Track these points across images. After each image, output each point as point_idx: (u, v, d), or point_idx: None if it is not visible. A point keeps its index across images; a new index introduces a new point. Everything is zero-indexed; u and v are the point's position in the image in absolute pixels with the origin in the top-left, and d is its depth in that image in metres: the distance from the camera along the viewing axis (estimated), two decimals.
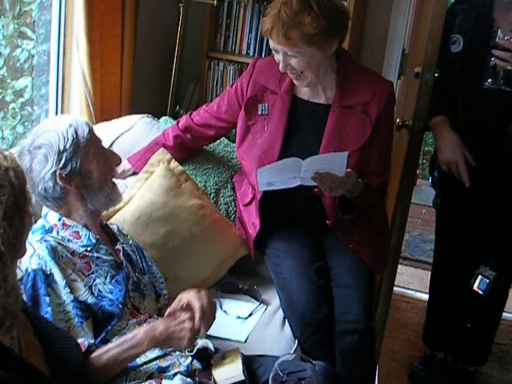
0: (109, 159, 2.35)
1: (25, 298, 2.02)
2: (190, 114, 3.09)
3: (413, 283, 4.74)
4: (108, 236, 2.43)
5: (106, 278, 2.23)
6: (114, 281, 2.25)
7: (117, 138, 3.16)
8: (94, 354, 2.05)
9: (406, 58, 3.71)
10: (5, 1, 3.07)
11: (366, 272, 2.86)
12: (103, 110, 3.28)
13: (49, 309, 2.05)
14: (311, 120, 2.82)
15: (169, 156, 3.04)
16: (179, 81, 3.97)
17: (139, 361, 2.15)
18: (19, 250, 1.64)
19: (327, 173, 2.54)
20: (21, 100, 3.36)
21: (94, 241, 2.28)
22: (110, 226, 2.51)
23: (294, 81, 2.75)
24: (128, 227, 2.71)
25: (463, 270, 3.36)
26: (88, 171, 2.24)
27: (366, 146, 2.77)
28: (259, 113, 2.85)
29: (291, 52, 2.61)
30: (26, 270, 2.10)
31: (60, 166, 2.19)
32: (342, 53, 2.81)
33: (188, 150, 3.13)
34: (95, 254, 2.26)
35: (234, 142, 3.12)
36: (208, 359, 2.29)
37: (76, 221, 2.28)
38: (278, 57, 2.67)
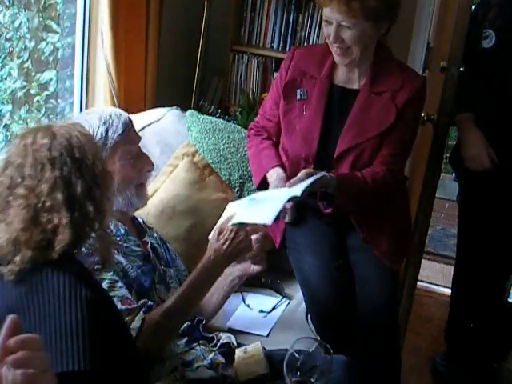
0: (138, 164, 2.34)
1: None
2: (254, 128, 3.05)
3: (436, 278, 4.72)
4: (136, 228, 2.45)
5: (132, 267, 2.25)
6: (140, 271, 2.26)
7: (146, 126, 3.17)
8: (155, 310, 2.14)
9: (431, 52, 3.68)
10: None
11: (389, 268, 2.85)
12: (127, 103, 3.29)
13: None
14: (342, 106, 2.81)
15: (194, 149, 3.04)
16: (203, 74, 3.98)
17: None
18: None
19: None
20: (45, 93, 3.38)
21: (122, 231, 2.30)
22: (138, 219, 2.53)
23: (338, 57, 2.71)
24: (152, 220, 2.72)
25: (486, 264, 3.34)
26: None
27: (386, 133, 2.75)
28: (298, 97, 2.82)
29: (347, 23, 2.58)
30: None
31: None
32: (381, 43, 2.80)
33: None
34: (124, 244, 2.28)
35: None
36: (231, 354, 2.30)
37: None
38: (329, 29, 2.63)
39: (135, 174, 2.33)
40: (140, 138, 2.42)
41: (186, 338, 2.32)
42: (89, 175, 1.69)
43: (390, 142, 2.75)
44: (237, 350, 2.32)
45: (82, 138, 1.73)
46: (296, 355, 1.82)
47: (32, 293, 1.52)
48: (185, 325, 2.32)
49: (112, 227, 2.26)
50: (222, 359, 2.27)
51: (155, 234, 2.57)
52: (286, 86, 2.83)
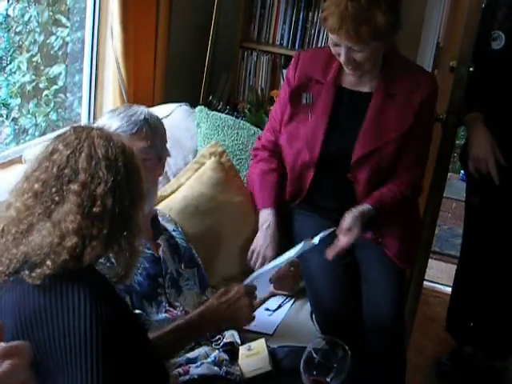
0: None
1: None
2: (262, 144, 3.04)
3: (442, 278, 4.71)
4: (153, 229, 2.41)
5: (138, 269, 2.23)
6: (145, 273, 2.26)
7: None
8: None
9: (441, 52, 3.67)
10: None
11: (396, 268, 2.84)
12: (136, 98, 3.28)
13: None
14: (353, 108, 2.80)
15: (221, 149, 3.04)
16: (212, 70, 3.98)
17: None
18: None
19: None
20: (54, 87, 3.38)
21: None
22: (159, 217, 2.49)
23: (349, 71, 2.70)
24: (174, 215, 2.72)
25: (491, 265, 3.34)
26: None
27: (405, 135, 2.75)
28: (303, 102, 2.82)
29: (357, 47, 2.56)
30: None
31: None
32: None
33: None
34: None
35: None
36: (235, 351, 2.30)
37: None
38: (339, 50, 2.62)
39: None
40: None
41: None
42: (136, 189, 1.64)
43: (410, 147, 2.77)
44: (240, 347, 2.31)
45: (133, 151, 1.69)
46: (314, 354, 1.82)
47: (51, 306, 1.46)
48: None
49: None
50: (225, 356, 2.26)
51: (180, 229, 2.57)
52: (293, 92, 2.84)
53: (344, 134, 2.77)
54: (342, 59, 2.63)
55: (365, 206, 2.69)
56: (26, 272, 1.50)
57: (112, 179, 1.56)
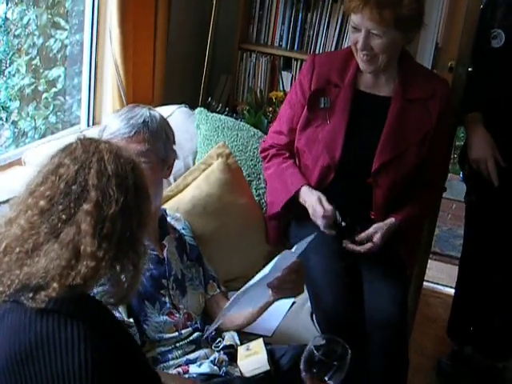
0: None
1: None
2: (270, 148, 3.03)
3: (442, 278, 4.71)
4: (160, 229, 2.40)
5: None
6: (148, 274, 2.24)
7: None
8: None
9: (440, 52, 3.67)
10: None
11: (398, 266, 2.85)
12: (135, 101, 3.26)
13: None
14: (372, 113, 2.82)
15: (228, 151, 3.04)
16: (211, 72, 3.98)
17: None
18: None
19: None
20: (53, 90, 3.38)
21: None
22: (168, 216, 2.49)
23: (363, 63, 2.72)
24: (181, 215, 2.72)
25: (491, 265, 3.34)
26: None
27: (425, 140, 2.78)
28: (321, 106, 2.83)
29: (377, 31, 2.59)
30: None
31: None
32: (402, 48, 2.81)
33: None
34: None
35: (267, 134, 3.15)
36: (234, 352, 2.31)
37: None
38: (357, 36, 2.64)
39: None
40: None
41: (193, 346, 2.32)
42: (144, 209, 1.56)
43: (434, 151, 2.82)
44: (239, 348, 2.32)
45: (141, 167, 1.60)
46: (315, 352, 1.82)
47: (48, 337, 1.37)
48: (194, 335, 2.32)
49: None
50: (225, 357, 2.28)
51: (189, 226, 2.58)
52: (311, 96, 2.84)
53: (364, 141, 2.79)
54: (359, 45, 2.65)
55: (392, 222, 2.76)
56: (29, 295, 1.41)
57: (122, 199, 1.48)
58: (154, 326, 2.21)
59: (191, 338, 2.31)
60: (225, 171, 2.98)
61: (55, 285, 1.40)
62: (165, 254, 2.35)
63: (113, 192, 1.47)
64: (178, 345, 2.27)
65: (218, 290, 2.54)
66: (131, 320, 2.14)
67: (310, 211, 2.75)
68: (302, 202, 2.81)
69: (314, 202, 2.73)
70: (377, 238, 2.70)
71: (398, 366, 2.76)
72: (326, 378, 1.80)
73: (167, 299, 2.29)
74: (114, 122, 2.26)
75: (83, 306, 1.46)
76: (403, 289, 2.86)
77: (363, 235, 2.71)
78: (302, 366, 1.83)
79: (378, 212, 2.83)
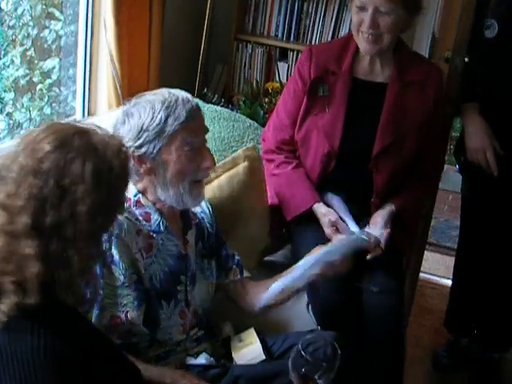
0: (196, 158, 2.15)
1: None
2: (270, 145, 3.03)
3: (438, 269, 4.70)
4: (183, 223, 2.32)
5: (161, 266, 2.17)
6: (168, 270, 2.19)
7: None
8: None
9: (436, 43, 3.67)
10: None
11: (395, 255, 2.84)
12: (130, 91, 3.27)
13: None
14: (370, 99, 2.84)
15: (256, 154, 2.96)
16: (207, 63, 3.97)
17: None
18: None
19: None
20: (48, 81, 3.37)
21: (162, 229, 2.18)
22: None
23: (367, 44, 2.73)
24: None
25: (488, 257, 3.33)
26: (164, 162, 2.10)
27: (424, 124, 2.82)
28: (319, 94, 2.84)
29: (385, 8, 2.61)
30: None
31: (136, 144, 2.07)
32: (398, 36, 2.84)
33: None
34: (160, 240, 2.17)
35: (263, 125, 3.13)
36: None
37: (151, 201, 2.18)
38: (362, 16, 2.66)
39: (191, 168, 2.14)
40: (207, 130, 2.24)
41: (195, 344, 2.30)
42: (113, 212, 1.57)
43: (431, 135, 2.86)
44: (232, 341, 2.33)
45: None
46: (302, 351, 1.81)
47: (7, 356, 1.34)
48: (199, 334, 2.30)
49: (152, 221, 2.16)
50: (223, 350, 2.30)
51: (209, 210, 2.48)
52: (311, 85, 2.85)
53: (363, 127, 2.81)
54: (366, 24, 2.66)
55: (391, 208, 2.80)
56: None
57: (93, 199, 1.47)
58: (164, 330, 2.17)
59: (195, 337, 2.29)
60: (248, 175, 2.88)
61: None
62: (187, 250, 2.27)
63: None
64: (182, 344, 2.24)
65: (238, 276, 2.46)
66: (145, 329, 2.10)
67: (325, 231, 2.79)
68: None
69: (325, 225, 2.78)
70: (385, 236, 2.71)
71: (395, 357, 2.76)
72: (316, 377, 1.79)
73: (182, 295, 2.23)
74: (177, 110, 2.13)
75: (47, 310, 1.43)
76: (400, 279, 2.86)
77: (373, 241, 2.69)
78: (289, 366, 1.82)
79: (377, 199, 2.85)
